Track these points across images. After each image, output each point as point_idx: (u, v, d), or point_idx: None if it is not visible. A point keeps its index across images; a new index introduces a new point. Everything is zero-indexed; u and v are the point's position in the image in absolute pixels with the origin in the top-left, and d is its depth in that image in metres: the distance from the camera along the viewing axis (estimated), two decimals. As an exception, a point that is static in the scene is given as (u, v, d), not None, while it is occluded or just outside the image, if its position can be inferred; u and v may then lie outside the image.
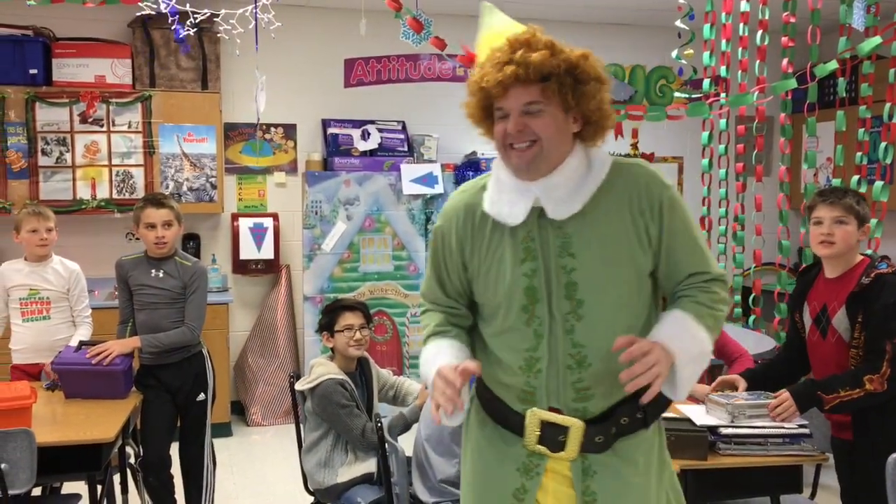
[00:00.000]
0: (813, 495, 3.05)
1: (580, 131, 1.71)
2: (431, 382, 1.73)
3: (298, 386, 3.13)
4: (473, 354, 1.86)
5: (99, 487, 2.97)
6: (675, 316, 1.72)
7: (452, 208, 1.83)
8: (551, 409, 1.73)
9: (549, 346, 1.70)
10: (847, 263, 2.70)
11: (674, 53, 4.49)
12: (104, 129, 5.14)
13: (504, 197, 1.73)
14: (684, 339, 1.69)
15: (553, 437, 1.73)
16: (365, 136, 5.64)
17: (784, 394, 2.63)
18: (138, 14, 4.41)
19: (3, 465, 2.61)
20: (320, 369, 3.09)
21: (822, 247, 2.68)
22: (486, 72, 1.65)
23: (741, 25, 4.31)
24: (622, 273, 1.70)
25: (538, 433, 1.73)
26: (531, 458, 1.76)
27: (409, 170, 5.49)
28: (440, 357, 1.78)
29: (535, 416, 1.73)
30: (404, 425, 3.01)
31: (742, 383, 2.82)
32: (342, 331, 3.13)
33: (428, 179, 5.48)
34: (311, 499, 3.18)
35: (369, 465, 2.99)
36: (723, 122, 4.63)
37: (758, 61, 4.19)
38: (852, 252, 2.70)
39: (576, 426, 1.72)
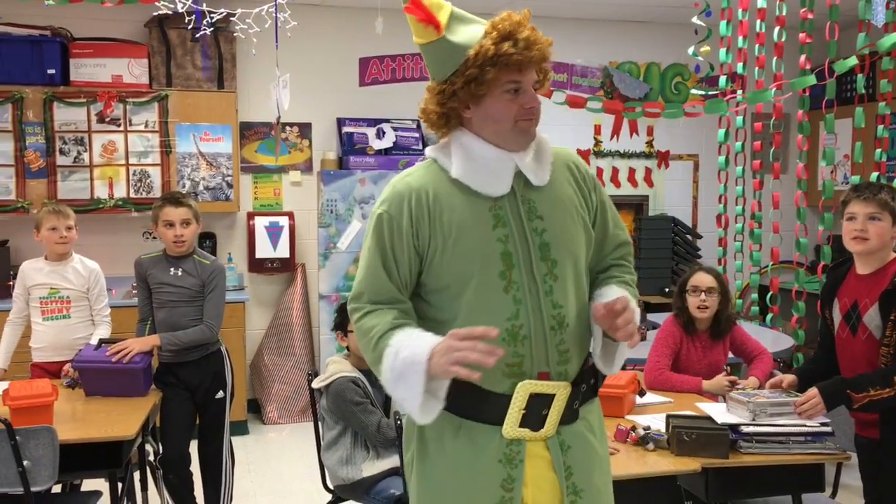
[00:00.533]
0: (834, 494, 3.03)
1: None
2: (425, 363, 1.64)
3: (314, 384, 3.14)
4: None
5: (119, 484, 2.98)
6: (615, 291, 1.84)
7: (400, 193, 1.79)
8: (540, 376, 1.75)
9: (532, 311, 1.74)
10: (881, 261, 2.67)
11: (690, 50, 4.47)
12: (121, 128, 5.16)
13: (483, 169, 1.78)
14: None
15: (537, 411, 1.74)
16: (380, 134, 5.65)
17: (812, 390, 2.62)
18: (155, 14, 4.43)
19: (25, 462, 2.63)
20: (334, 367, 3.11)
21: (855, 243, 2.66)
22: (516, 47, 1.70)
23: (758, 22, 4.29)
24: (580, 233, 1.83)
25: (523, 412, 1.74)
26: (511, 447, 1.76)
27: (424, 168, 5.49)
28: (425, 338, 1.68)
29: (523, 390, 1.73)
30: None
31: (791, 378, 2.83)
32: (353, 331, 3.12)
33: (443, 178, 5.48)
34: (329, 496, 3.19)
35: (394, 460, 3.00)
36: (739, 119, 4.60)
37: (775, 58, 4.16)
38: (886, 249, 2.67)
39: (563, 390, 1.76)
